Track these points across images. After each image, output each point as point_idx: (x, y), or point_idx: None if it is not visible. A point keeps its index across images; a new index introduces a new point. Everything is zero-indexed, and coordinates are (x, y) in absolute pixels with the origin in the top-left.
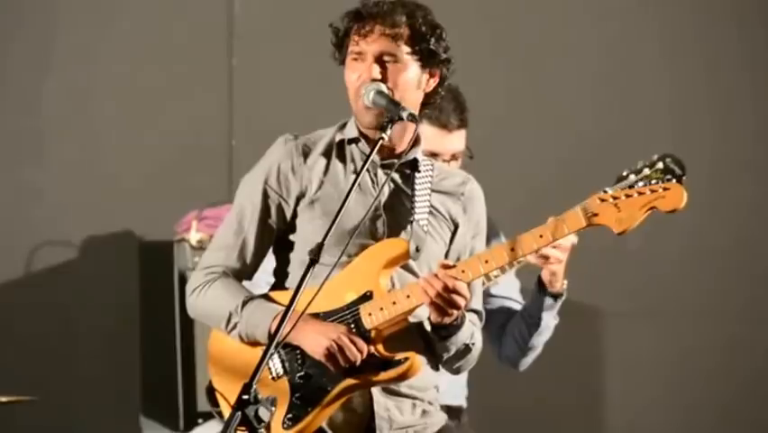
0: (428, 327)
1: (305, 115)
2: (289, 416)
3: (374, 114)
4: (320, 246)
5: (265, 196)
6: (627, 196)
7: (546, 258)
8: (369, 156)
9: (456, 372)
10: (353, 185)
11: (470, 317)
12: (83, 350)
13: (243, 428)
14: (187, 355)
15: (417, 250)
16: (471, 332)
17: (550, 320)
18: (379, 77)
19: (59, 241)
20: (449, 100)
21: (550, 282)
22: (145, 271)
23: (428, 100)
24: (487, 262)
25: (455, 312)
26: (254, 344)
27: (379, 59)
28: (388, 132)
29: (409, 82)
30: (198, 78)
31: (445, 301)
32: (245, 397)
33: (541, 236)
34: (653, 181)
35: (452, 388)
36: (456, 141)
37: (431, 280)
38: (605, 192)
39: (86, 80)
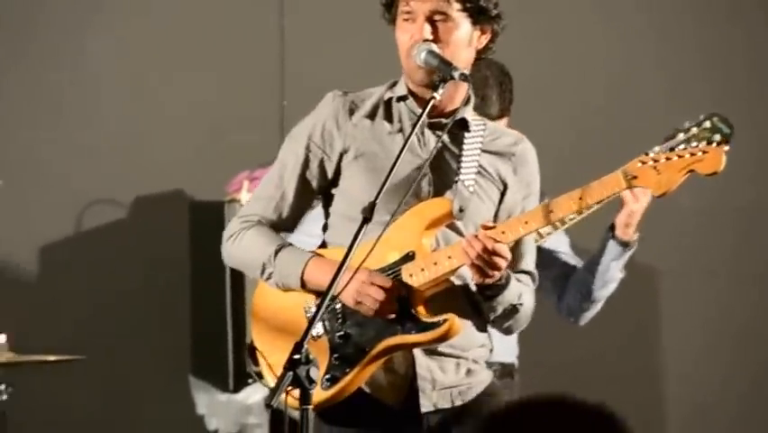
0: (473, 288)
1: (356, 75)
2: (328, 376)
3: (426, 73)
4: (372, 205)
5: (308, 151)
6: (667, 159)
7: (632, 192)
8: (420, 117)
9: (507, 331)
10: (404, 145)
11: (521, 277)
12: (133, 309)
13: (293, 388)
14: (237, 316)
15: (461, 210)
16: (519, 292)
17: (616, 272)
18: (431, 36)
19: (110, 200)
20: (492, 87)
21: (625, 226)
22: (196, 231)
23: (480, 56)
24: (527, 222)
25: (496, 273)
26: (295, 303)
27: (430, 19)
28: (440, 91)
29: (461, 40)
30: (249, 38)
31: (485, 263)
32: (296, 357)
33: (580, 198)
34: (695, 144)
35: (503, 345)
36: None
37: (471, 242)
38: (646, 155)
39: (137, 38)
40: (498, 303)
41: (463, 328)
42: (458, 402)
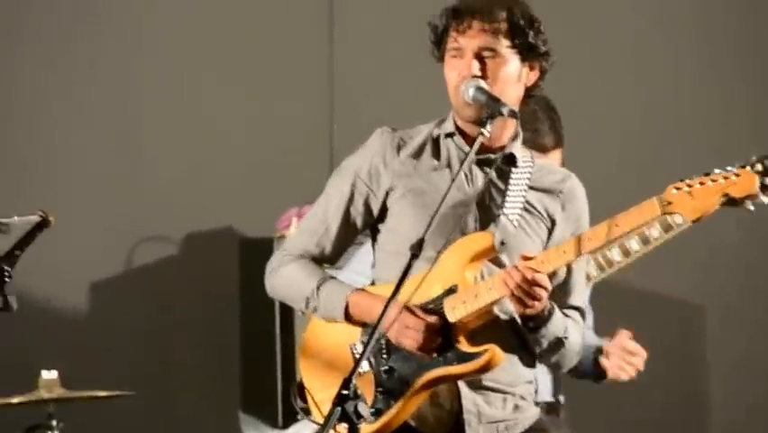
0: (519, 320)
1: (405, 113)
2: (373, 410)
3: (474, 109)
4: (421, 241)
5: (353, 188)
6: (701, 183)
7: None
8: (468, 155)
9: (556, 368)
10: (452, 182)
11: (569, 312)
12: (184, 346)
13: (342, 424)
14: (286, 352)
15: (503, 243)
16: (565, 326)
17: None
18: (479, 73)
19: (161, 237)
20: (543, 120)
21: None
22: (246, 267)
23: (529, 93)
24: (564, 252)
25: (536, 303)
26: (343, 341)
27: (479, 55)
28: (488, 128)
29: (509, 76)
30: (299, 77)
31: (525, 293)
32: (345, 392)
33: (617, 225)
34: (730, 168)
35: (540, 385)
36: (553, 161)
37: (510, 272)
38: (681, 181)
39: (187, 76)
40: (542, 336)
41: (510, 363)
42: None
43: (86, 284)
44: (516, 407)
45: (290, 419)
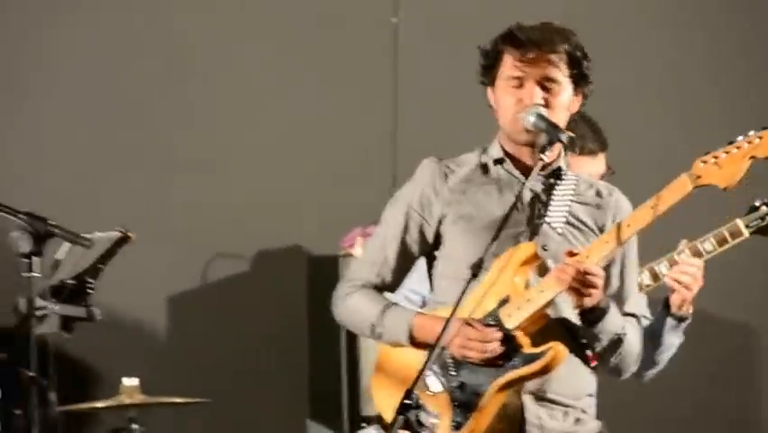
0: (577, 319)
1: (468, 133)
2: (453, 424)
3: (532, 135)
4: (480, 262)
5: (407, 218)
6: (726, 153)
7: (679, 282)
8: (527, 180)
9: (616, 372)
10: (511, 209)
11: (627, 318)
12: (255, 357)
13: (406, 432)
14: (352, 364)
15: (545, 248)
16: (623, 324)
17: (674, 340)
18: (542, 101)
19: (234, 254)
20: (585, 127)
21: (678, 307)
22: (313, 283)
23: (571, 119)
24: (606, 242)
25: (593, 291)
26: (416, 360)
27: (540, 84)
28: (548, 154)
29: (564, 104)
30: (364, 100)
31: (581, 283)
32: (407, 402)
33: (652, 207)
34: (751, 133)
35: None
36: (600, 164)
37: (562, 268)
38: (706, 154)
39: (261, 103)
40: (600, 331)
41: (572, 376)
42: None
43: (164, 297)
44: (578, 420)
45: (355, 427)
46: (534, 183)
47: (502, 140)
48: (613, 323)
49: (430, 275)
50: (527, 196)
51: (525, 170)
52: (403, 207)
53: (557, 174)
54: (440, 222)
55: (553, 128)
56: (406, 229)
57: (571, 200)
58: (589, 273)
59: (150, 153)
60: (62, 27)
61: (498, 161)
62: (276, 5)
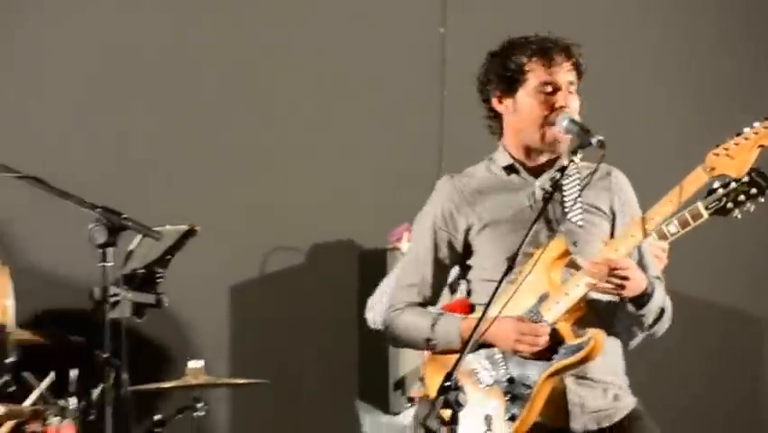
0: (629, 305)
1: None
2: (509, 416)
3: (559, 139)
4: (515, 255)
5: (435, 236)
6: (736, 144)
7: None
8: (553, 189)
9: (654, 334)
10: (542, 211)
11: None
12: (310, 342)
13: (447, 410)
14: (396, 350)
15: (575, 244)
16: (664, 296)
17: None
18: (576, 105)
19: (292, 248)
20: None
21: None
22: (363, 274)
23: None
24: (632, 235)
25: (627, 283)
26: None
27: (567, 89)
28: (579, 156)
29: (578, 106)
30: (413, 105)
31: (615, 277)
32: (447, 384)
33: (671, 201)
34: (757, 124)
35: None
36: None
37: (592, 268)
38: (717, 147)
39: (316, 104)
40: (645, 313)
41: (609, 356)
42: (605, 424)
43: (226, 287)
44: (616, 396)
45: (399, 406)
46: (544, 182)
47: (509, 147)
48: (656, 300)
49: (466, 281)
50: (539, 194)
51: (532, 172)
52: (429, 227)
53: (561, 170)
54: (466, 233)
55: (584, 132)
56: (436, 248)
57: (580, 189)
58: (619, 267)
59: (219, 154)
60: (144, 29)
61: (507, 168)
62: (337, 16)
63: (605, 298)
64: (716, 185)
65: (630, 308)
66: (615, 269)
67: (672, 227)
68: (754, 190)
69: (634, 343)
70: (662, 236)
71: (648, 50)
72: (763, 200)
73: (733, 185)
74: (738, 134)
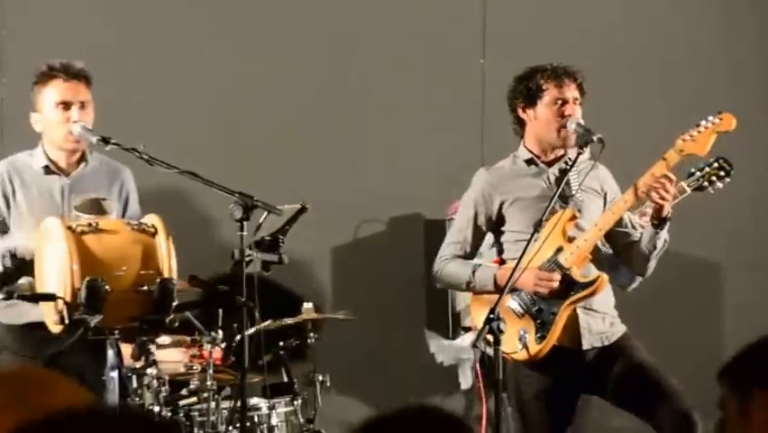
0: (648, 227)
1: None
2: (538, 336)
3: (573, 138)
4: (540, 222)
5: (476, 209)
6: (698, 132)
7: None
8: (570, 168)
9: (646, 271)
10: (554, 195)
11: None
12: (391, 289)
13: (490, 335)
14: (454, 292)
15: (579, 212)
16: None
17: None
18: (579, 114)
19: (376, 219)
20: None
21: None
22: (428, 240)
23: None
24: (625, 201)
25: (668, 195)
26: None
27: (572, 102)
28: (587, 150)
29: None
30: (457, 128)
31: (659, 188)
32: (491, 316)
33: (653, 174)
34: (709, 118)
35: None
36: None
37: (646, 180)
38: (683, 134)
39: (384, 115)
40: (660, 236)
41: (607, 295)
42: (606, 343)
43: (329, 248)
44: (612, 324)
45: (457, 333)
46: (555, 170)
47: (529, 145)
48: (665, 231)
49: (499, 242)
50: (553, 179)
51: (546, 164)
52: (472, 203)
53: (566, 161)
54: (500, 207)
55: (587, 132)
56: (476, 217)
57: (583, 174)
58: (666, 180)
59: (323, 146)
60: (265, 26)
61: (528, 161)
62: (389, 54)
63: (604, 249)
64: (692, 169)
65: (651, 231)
66: (666, 180)
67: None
68: (722, 173)
69: (632, 286)
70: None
71: (652, 70)
72: (729, 180)
73: (707, 169)
74: (698, 125)
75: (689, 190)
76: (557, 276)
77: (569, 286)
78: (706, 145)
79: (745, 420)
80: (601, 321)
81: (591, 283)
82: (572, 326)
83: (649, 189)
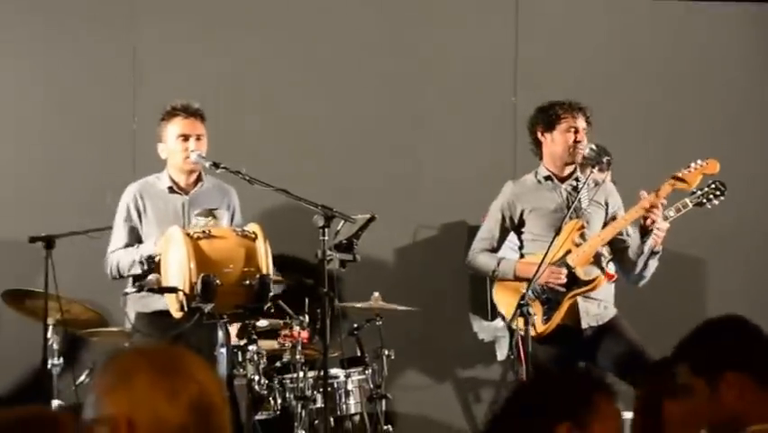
0: (637, 242)
1: None
2: (545, 318)
3: (581, 156)
4: (560, 228)
5: (503, 214)
6: (688, 171)
7: (657, 235)
8: (583, 185)
9: (642, 277)
10: (572, 208)
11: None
12: (441, 281)
13: (521, 317)
14: (492, 286)
15: (588, 222)
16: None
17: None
18: (585, 141)
19: (429, 225)
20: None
21: (655, 245)
22: (471, 243)
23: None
24: (637, 212)
25: (653, 216)
26: (516, 286)
27: (582, 131)
28: (597, 168)
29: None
30: (491, 159)
31: (651, 211)
32: (522, 302)
33: (656, 196)
34: (698, 161)
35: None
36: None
37: (644, 205)
38: (677, 172)
39: (443, 124)
40: (646, 245)
41: (605, 288)
42: (600, 323)
43: (392, 249)
44: (606, 308)
45: (495, 316)
46: (566, 186)
47: (547, 164)
48: (651, 243)
49: (520, 239)
50: (565, 194)
51: (560, 180)
52: (499, 209)
53: (577, 178)
54: (522, 214)
55: (600, 154)
56: (503, 220)
57: (589, 189)
58: (656, 206)
59: (390, 166)
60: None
61: (546, 177)
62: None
63: (605, 252)
64: (694, 189)
65: (638, 240)
66: (654, 207)
67: (671, 212)
68: (717, 192)
69: (641, 283)
70: (665, 218)
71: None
72: (723, 198)
73: (706, 189)
74: (689, 166)
75: (690, 205)
76: (564, 273)
77: (572, 281)
78: (693, 183)
79: (716, 400)
80: (596, 306)
81: (590, 282)
82: (574, 309)
83: (646, 210)
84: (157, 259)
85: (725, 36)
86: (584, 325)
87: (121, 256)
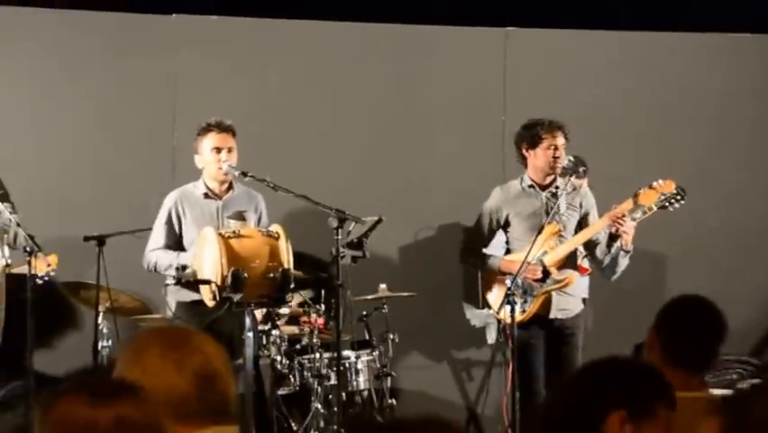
0: (605, 244)
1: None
2: (522, 309)
3: (560, 168)
4: (541, 228)
5: (491, 216)
6: (650, 189)
7: (625, 232)
8: (563, 192)
9: (611, 273)
10: (553, 214)
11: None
12: (439, 274)
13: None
14: (483, 279)
15: (564, 227)
16: (624, 246)
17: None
18: (564, 156)
19: (428, 226)
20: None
21: (626, 243)
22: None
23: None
24: (602, 221)
25: (621, 224)
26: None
27: (561, 147)
28: (573, 178)
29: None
30: (481, 173)
31: (617, 221)
32: (508, 292)
33: (616, 207)
34: (660, 181)
35: (582, 291)
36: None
37: (609, 215)
38: (639, 189)
39: (440, 140)
40: (614, 247)
41: (574, 283)
42: (567, 316)
43: (396, 247)
44: (574, 303)
45: (486, 305)
46: (546, 193)
47: (531, 174)
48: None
49: (507, 238)
50: (545, 200)
51: (541, 188)
52: (488, 213)
53: (557, 186)
54: (507, 217)
55: (576, 165)
56: (490, 222)
57: (566, 197)
58: (623, 216)
59: (395, 175)
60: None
61: (530, 186)
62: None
63: (581, 248)
64: (654, 183)
65: (605, 243)
66: (623, 216)
67: (637, 214)
68: (678, 197)
69: (613, 278)
70: (632, 219)
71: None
72: (683, 203)
73: (669, 193)
74: (650, 185)
75: (655, 208)
76: (540, 270)
77: (546, 278)
78: (653, 200)
79: None
80: (565, 300)
81: (561, 281)
82: (547, 301)
83: (612, 221)
84: (188, 271)
85: (704, 65)
86: (552, 315)
87: (159, 256)
